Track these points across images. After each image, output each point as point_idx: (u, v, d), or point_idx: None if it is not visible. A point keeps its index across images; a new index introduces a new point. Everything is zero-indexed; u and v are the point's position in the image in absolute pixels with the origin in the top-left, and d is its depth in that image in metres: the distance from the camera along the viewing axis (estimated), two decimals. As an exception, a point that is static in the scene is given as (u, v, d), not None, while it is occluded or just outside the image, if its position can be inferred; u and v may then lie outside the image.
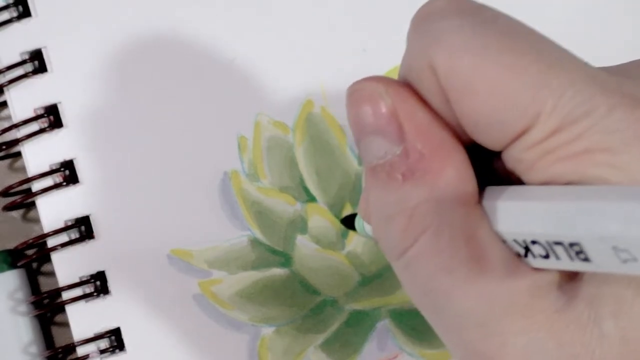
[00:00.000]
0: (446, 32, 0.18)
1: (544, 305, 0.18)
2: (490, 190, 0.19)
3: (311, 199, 0.36)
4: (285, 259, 0.36)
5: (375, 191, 0.19)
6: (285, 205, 0.36)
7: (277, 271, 0.36)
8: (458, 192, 0.18)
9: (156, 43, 0.36)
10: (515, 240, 0.18)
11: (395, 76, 0.37)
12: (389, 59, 0.36)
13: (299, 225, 0.36)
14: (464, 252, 0.18)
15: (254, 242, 0.36)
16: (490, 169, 0.20)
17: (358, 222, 0.28)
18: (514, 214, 0.18)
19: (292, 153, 0.36)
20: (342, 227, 0.36)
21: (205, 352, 0.36)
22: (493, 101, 0.17)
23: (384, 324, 0.36)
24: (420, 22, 0.19)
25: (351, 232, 0.36)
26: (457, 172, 0.18)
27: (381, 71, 0.36)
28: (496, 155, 0.19)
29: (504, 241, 0.18)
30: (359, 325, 0.36)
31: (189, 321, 0.36)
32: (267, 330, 0.36)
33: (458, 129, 0.19)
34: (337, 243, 0.36)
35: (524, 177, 0.18)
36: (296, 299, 0.36)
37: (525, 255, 0.18)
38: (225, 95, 0.36)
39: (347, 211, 0.36)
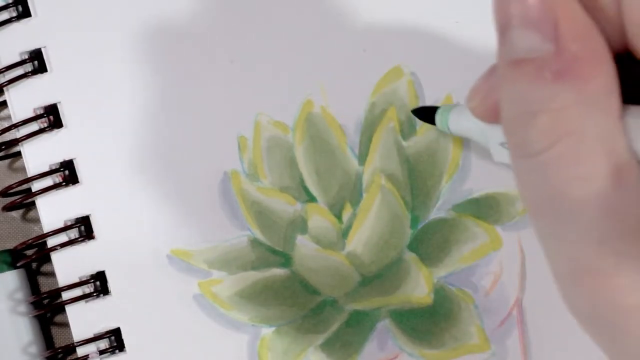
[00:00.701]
0: None
1: None
2: (632, 108, 0.18)
3: (311, 199, 0.36)
4: (285, 259, 0.36)
5: (515, 85, 0.19)
6: (285, 205, 0.36)
7: (277, 271, 0.36)
8: (605, 101, 0.18)
9: (156, 43, 0.36)
10: None
11: (397, 76, 0.37)
12: (389, 59, 0.36)
13: (299, 225, 0.36)
14: (603, 163, 0.17)
15: (254, 242, 0.36)
16: (634, 83, 0.19)
17: (441, 116, 0.28)
18: None
19: (292, 153, 0.36)
20: (342, 227, 0.36)
21: (205, 352, 0.36)
22: None
23: (384, 324, 0.36)
24: None
25: (351, 232, 0.36)
26: (607, 81, 0.18)
27: (381, 71, 0.36)
28: None
29: (638, 161, 0.18)
30: (359, 326, 0.36)
31: (189, 321, 0.36)
32: (267, 331, 0.36)
33: (611, 35, 0.18)
34: (337, 243, 0.36)
35: None
36: (296, 299, 0.36)
37: None
38: (225, 95, 0.36)
39: (347, 211, 0.36)
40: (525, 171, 0.19)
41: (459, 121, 0.30)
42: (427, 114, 0.31)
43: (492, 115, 0.23)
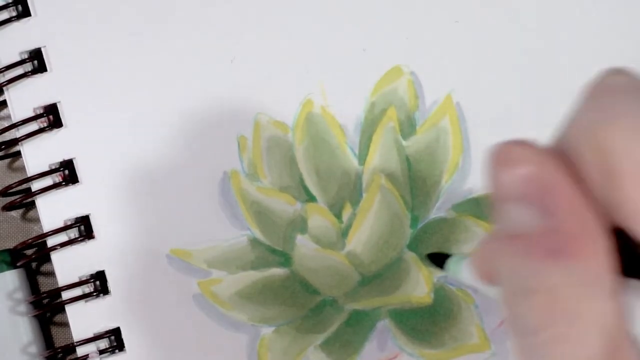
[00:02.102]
0: (626, 113, 0.17)
1: None
2: (633, 285, 0.18)
3: (311, 198, 0.36)
4: (284, 258, 0.36)
5: (510, 260, 0.18)
6: (285, 205, 0.36)
7: (277, 271, 0.36)
8: (602, 282, 0.17)
9: (156, 42, 0.36)
10: None
11: (396, 76, 0.37)
12: (388, 59, 0.36)
13: (299, 225, 0.36)
14: (598, 346, 0.17)
15: (254, 242, 0.36)
16: (633, 254, 0.19)
17: (454, 265, 0.28)
18: None
19: (291, 153, 0.36)
20: (342, 226, 0.36)
21: (205, 352, 0.36)
22: None
23: (384, 324, 0.36)
24: (596, 95, 0.18)
25: (351, 232, 0.36)
26: (603, 259, 0.17)
27: (381, 71, 0.36)
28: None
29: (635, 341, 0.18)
30: (358, 325, 0.36)
31: (188, 321, 0.36)
32: (267, 330, 0.36)
33: (606, 211, 0.18)
34: (337, 243, 0.36)
35: None
36: (296, 299, 0.36)
37: None
38: (225, 95, 0.36)
39: (347, 211, 0.36)
40: (523, 347, 0.19)
41: (470, 273, 0.29)
42: (439, 259, 0.31)
43: (490, 281, 0.22)
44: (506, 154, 0.18)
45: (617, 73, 0.18)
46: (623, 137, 0.17)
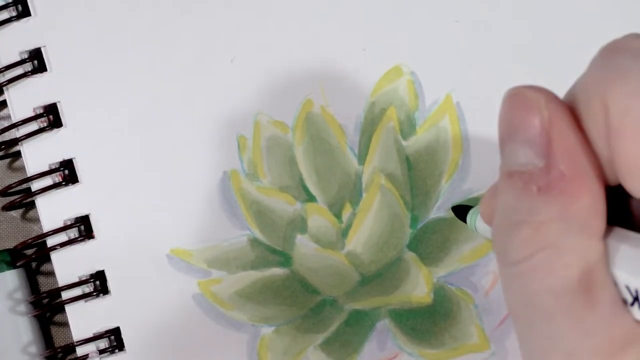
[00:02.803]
0: (632, 73, 0.18)
1: (635, 355, 0.18)
2: (617, 231, 0.19)
3: (311, 198, 0.36)
4: (284, 258, 0.36)
5: (507, 195, 0.20)
6: (284, 205, 0.36)
7: (277, 271, 0.36)
8: (587, 222, 0.18)
9: (156, 42, 0.36)
10: (627, 287, 0.18)
11: (396, 75, 0.37)
12: (388, 58, 0.36)
13: (299, 224, 0.36)
14: (576, 281, 0.18)
15: (254, 242, 0.36)
16: (624, 207, 0.20)
17: (471, 216, 0.29)
18: (633, 262, 0.18)
19: (291, 152, 0.36)
20: (342, 226, 0.36)
21: (205, 352, 0.36)
22: None
23: (384, 324, 0.36)
24: (609, 54, 0.19)
25: (351, 232, 0.36)
26: (592, 202, 0.18)
27: (381, 71, 0.36)
28: (633, 198, 0.19)
29: (615, 283, 0.18)
30: (358, 325, 0.36)
31: (188, 321, 0.36)
32: (267, 330, 0.36)
33: (603, 164, 0.19)
34: (337, 243, 0.36)
35: None
36: (296, 298, 0.36)
37: (632, 304, 0.18)
38: (224, 94, 0.36)
39: (346, 211, 0.36)
40: (505, 277, 0.20)
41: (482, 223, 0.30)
42: (462, 212, 0.32)
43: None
44: (522, 96, 0.19)
45: (634, 37, 0.19)
46: (626, 95, 0.18)
